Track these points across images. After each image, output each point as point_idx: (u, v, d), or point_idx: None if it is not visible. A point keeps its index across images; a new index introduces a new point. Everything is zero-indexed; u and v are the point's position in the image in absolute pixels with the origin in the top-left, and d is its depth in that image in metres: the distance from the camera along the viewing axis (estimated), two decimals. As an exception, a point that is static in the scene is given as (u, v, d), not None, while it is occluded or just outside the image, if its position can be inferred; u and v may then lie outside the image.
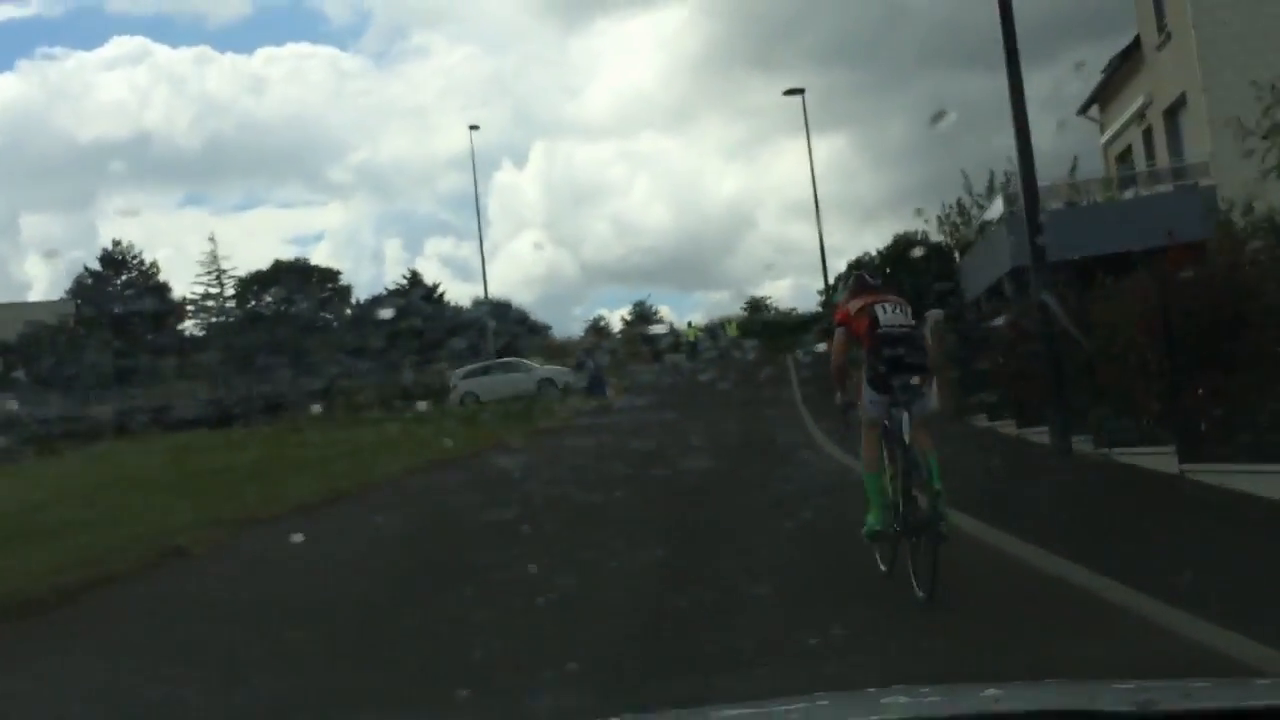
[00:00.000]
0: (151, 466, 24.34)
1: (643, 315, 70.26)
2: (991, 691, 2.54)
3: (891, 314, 7.97)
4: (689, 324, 54.85)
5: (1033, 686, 2.75)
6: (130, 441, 36.10)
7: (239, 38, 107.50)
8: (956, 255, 35.98)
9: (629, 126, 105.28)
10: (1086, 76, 32.47)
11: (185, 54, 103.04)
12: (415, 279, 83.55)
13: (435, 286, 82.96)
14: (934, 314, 22.63)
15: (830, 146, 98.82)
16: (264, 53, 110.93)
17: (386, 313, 71.70)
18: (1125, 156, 31.81)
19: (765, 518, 12.61)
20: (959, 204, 37.43)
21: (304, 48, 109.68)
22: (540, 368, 44.36)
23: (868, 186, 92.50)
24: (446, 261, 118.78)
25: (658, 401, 32.58)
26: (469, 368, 45.08)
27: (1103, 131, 32.44)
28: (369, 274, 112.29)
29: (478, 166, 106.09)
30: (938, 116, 40.46)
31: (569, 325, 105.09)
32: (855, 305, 8.15)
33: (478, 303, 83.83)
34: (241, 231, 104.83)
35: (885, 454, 8.09)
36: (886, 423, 7.97)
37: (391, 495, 17.55)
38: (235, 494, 18.45)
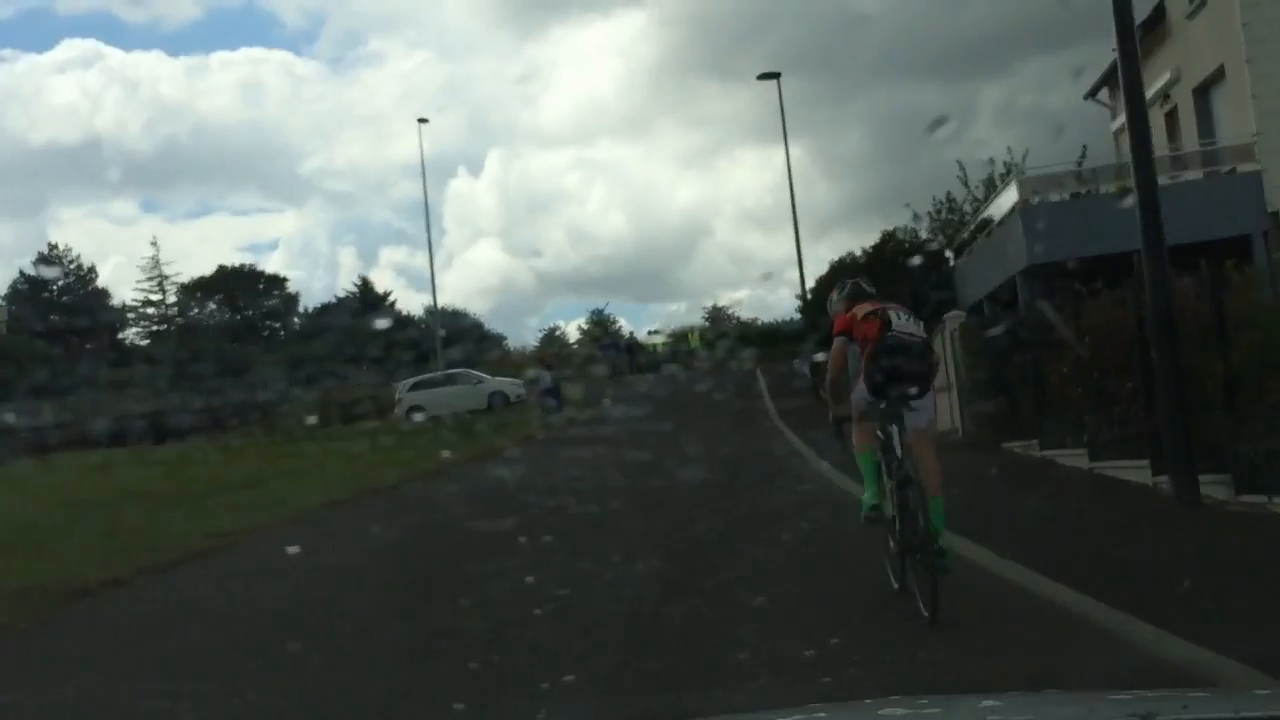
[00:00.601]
0: (11, 501, 19.90)
1: (601, 325, 65.64)
2: (989, 702, 2.41)
3: (905, 321, 7.69)
4: (649, 332, 50.66)
5: (1031, 697, 2.63)
6: (26, 463, 31.56)
7: (192, 41, 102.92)
8: (950, 256, 31.98)
9: (585, 134, 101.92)
10: (1081, 77, 29.20)
11: (138, 57, 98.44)
12: (366, 287, 79.22)
13: (386, 295, 78.60)
14: (954, 316, 18.73)
15: (785, 155, 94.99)
16: (218, 57, 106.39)
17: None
18: (1141, 144, 27.94)
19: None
20: (949, 199, 33.44)
21: (258, 52, 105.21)
22: (491, 380, 40.37)
23: (823, 196, 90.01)
24: (401, 271, 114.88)
25: (623, 421, 28.47)
26: (415, 379, 41.03)
27: (1114, 117, 28.58)
28: (324, 282, 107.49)
29: (433, 174, 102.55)
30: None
31: (524, 336, 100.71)
32: (862, 310, 7.82)
33: (430, 311, 79.89)
34: (196, 239, 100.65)
35: (884, 471, 7.65)
36: (880, 435, 7.64)
37: (267, 552, 13.19)
38: (88, 541, 14.20)
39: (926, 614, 7.01)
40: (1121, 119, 28.04)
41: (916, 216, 34.00)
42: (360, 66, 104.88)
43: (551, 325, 75.90)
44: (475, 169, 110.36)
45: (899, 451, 7.41)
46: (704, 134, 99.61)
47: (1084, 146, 27.56)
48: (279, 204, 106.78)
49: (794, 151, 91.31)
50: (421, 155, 59.26)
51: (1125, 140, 28.24)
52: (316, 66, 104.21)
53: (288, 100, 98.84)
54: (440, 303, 73.48)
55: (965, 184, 33.38)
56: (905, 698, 2.66)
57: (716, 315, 64.98)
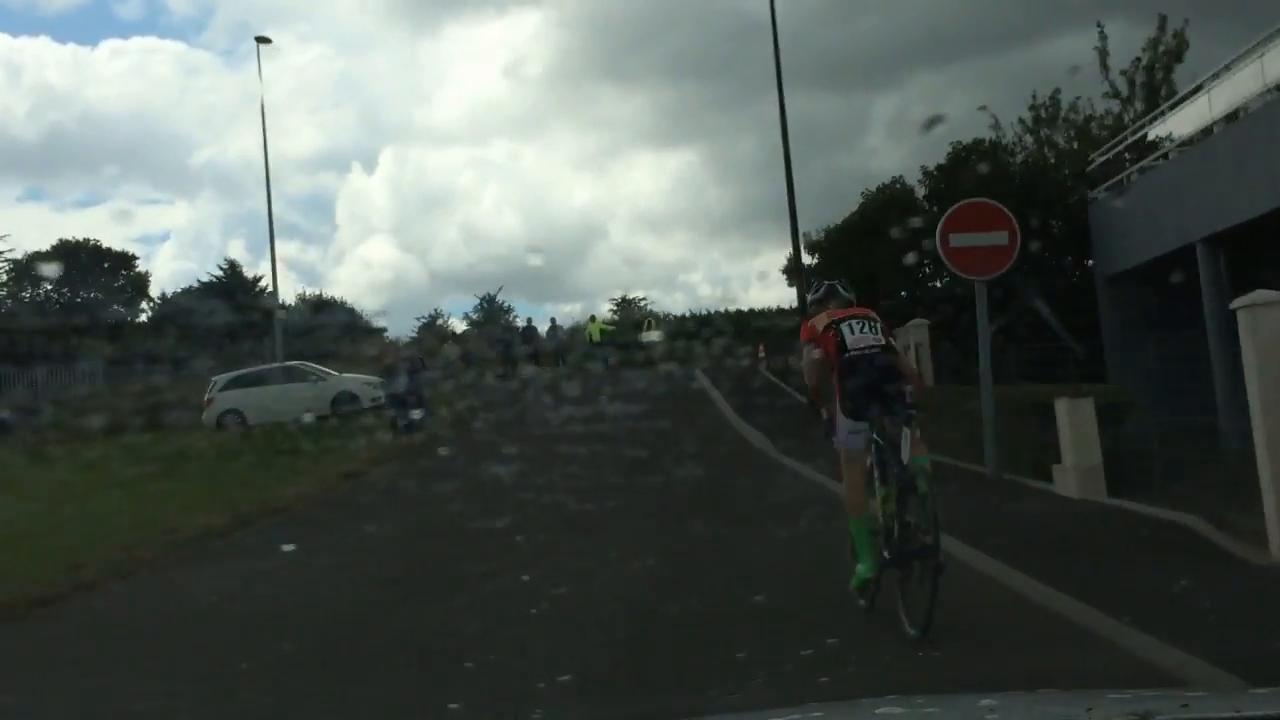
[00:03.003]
0: None
1: (493, 314, 52.95)
2: (987, 701, 2.28)
3: (860, 334, 6.77)
4: (591, 318, 38.76)
5: (1029, 697, 2.49)
6: None
7: (78, 28, 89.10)
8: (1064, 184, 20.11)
9: (479, 133, 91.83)
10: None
11: (24, 43, 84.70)
12: (234, 271, 65.95)
13: (257, 279, 65.29)
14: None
15: (680, 160, 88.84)
16: (108, 45, 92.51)
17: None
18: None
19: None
20: (1054, 100, 21.83)
21: (150, 41, 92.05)
22: (337, 377, 28.52)
23: (715, 200, 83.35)
24: (292, 265, 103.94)
25: (508, 443, 16.99)
26: (234, 374, 29.00)
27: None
28: (212, 274, 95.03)
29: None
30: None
31: (408, 329, 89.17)
32: (822, 321, 6.95)
33: (302, 299, 66.74)
34: (85, 228, 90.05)
35: (877, 477, 6.66)
36: (880, 440, 6.65)
37: None
38: None
39: (913, 631, 6.12)
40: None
41: (998, 125, 22.48)
42: (253, 59, 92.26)
43: (432, 312, 60.64)
44: (369, 165, 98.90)
45: (905, 457, 6.40)
46: (598, 137, 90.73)
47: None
48: (170, 195, 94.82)
49: (688, 156, 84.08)
50: (260, 77, 47.07)
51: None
52: (209, 57, 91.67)
53: (179, 90, 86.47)
54: (329, 297, 61.35)
55: (1104, 64, 21.71)
56: (902, 697, 2.41)
57: (625, 304, 53.64)
